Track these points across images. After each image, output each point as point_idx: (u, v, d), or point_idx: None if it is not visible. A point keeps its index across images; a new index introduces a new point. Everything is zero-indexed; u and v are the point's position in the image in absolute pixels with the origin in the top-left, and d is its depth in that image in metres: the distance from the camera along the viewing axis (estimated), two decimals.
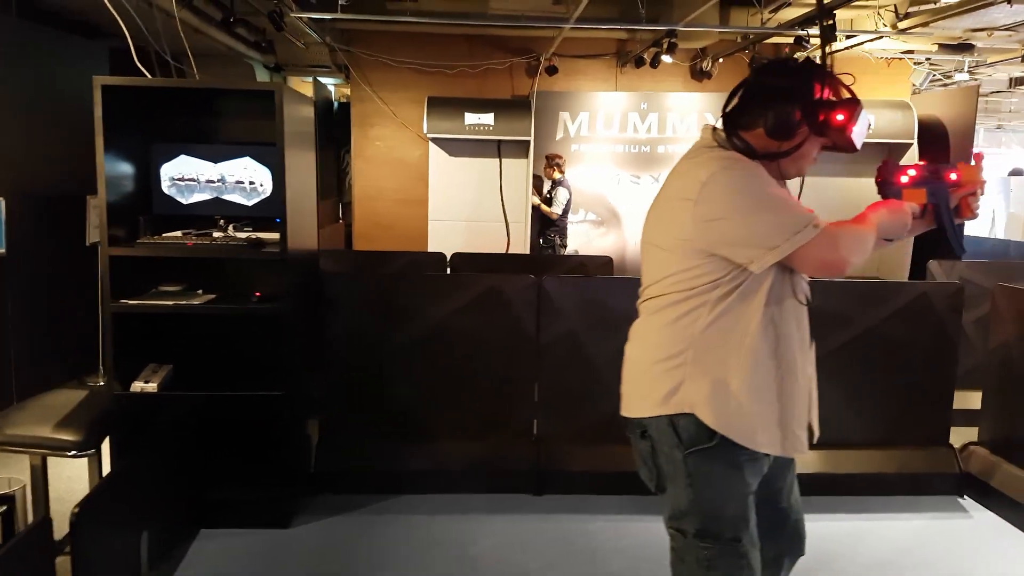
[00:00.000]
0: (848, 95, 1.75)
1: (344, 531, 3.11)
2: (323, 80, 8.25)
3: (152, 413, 3.02)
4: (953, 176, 1.91)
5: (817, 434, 1.94)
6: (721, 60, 7.80)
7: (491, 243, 7.28)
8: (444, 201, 7.34)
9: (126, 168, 3.22)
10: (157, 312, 3.10)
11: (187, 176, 3.33)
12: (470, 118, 7.06)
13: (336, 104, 8.83)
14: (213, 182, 3.34)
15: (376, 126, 7.81)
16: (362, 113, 7.77)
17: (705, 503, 1.73)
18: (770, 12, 6.44)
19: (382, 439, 3.47)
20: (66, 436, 2.38)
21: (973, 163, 1.95)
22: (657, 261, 1.78)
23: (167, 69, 3.81)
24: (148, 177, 3.31)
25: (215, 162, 3.32)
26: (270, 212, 3.24)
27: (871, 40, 6.91)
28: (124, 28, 3.22)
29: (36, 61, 4.59)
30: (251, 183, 3.32)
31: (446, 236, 7.12)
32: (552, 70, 7.82)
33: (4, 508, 2.07)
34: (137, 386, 3.10)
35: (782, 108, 1.68)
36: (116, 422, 2.65)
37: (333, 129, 8.02)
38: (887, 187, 1.92)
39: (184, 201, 3.34)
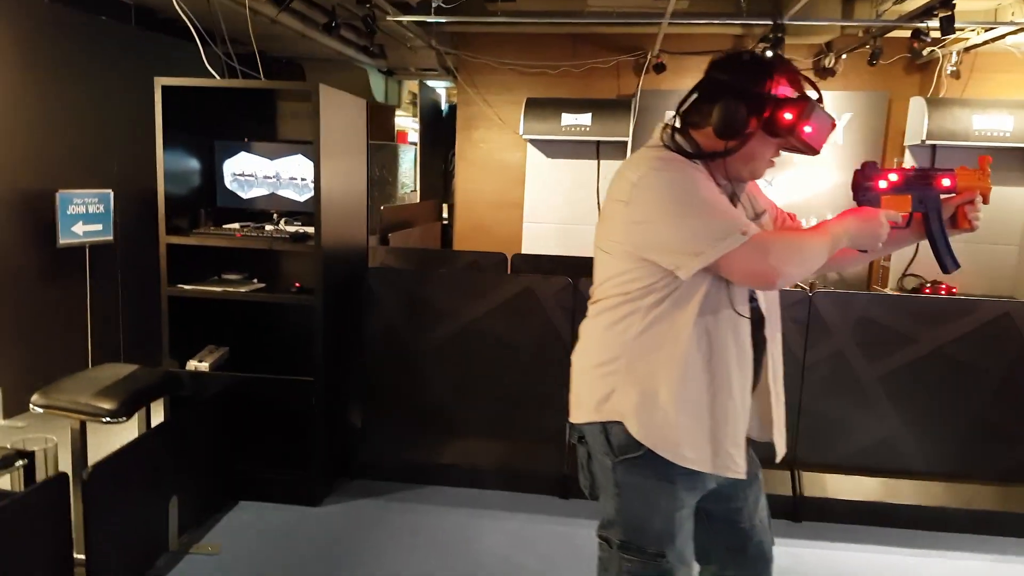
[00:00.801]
0: (812, 92, 1.64)
1: (367, 514, 3.23)
2: (434, 83, 8.52)
3: (199, 390, 3.27)
4: (946, 181, 1.73)
5: (781, 453, 1.82)
6: (844, 56, 7.32)
7: (585, 246, 7.22)
8: (539, 203, 7.36)
9: (192, 164, 3.52)
10: (208, 297, 3.35)
11: (247, 172, 3.58)
12: (567, 119, 7.04)
13: (447, 107, 9.10)
14: (269, 178, 3.57)
15: (480, 128, 7.96)
16: (467, 116, 7.95)
17: (630, 514, 1.69)
18: (893, 3, 5.99)
19: (415, 432, 3.57)
20: (103, 404, 2.64)
21: (978, 167, 1.75)
22: (600, 263, 1.75)
23: (280, 73, 4.08)
24: (212, 172, 3.58)
25: (272, 159, 3.55)
26: None
27: (1013, 32, 6.23)
28: (195, 33, 3.50)
29: (150, 67, 5.06)
30: (303, 179, 3.52)
31: (540, 239, 7.14)
32: (660, 68, 7.64)
33: (25, 462, 2.34)
34: (191, 364, 3.37)
35: (728, 104, 1.59)
36: (154, 395, 2.89)
37: (440, 132, 8.25)
38: (863, 192, 1.75)
39: (244, 195, 3.59)
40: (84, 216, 4.28)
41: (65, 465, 2.61)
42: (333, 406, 3.40)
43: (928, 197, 1.74)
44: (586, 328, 1.80)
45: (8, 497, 2.11)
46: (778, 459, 1.82)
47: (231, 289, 3.35)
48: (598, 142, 7.34)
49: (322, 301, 3.24)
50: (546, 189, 7.39)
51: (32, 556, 2.18)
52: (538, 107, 7.19)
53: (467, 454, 3.51)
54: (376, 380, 3.60)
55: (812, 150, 1.62)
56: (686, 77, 7.86)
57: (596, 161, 7.45)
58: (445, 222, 8.15)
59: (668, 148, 1.66)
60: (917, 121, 5.89)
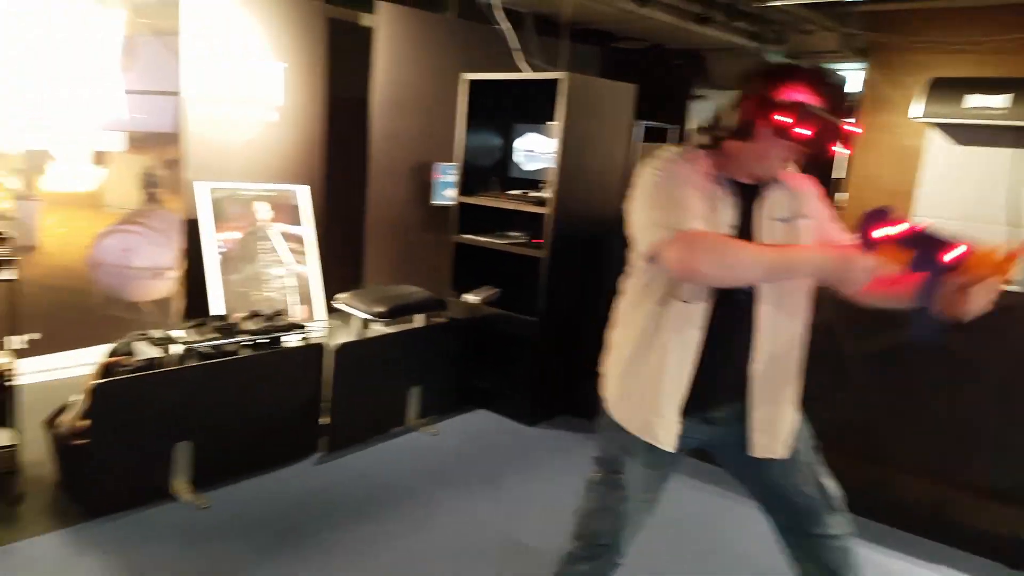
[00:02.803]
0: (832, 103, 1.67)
1: (561, 444, 3.77)
2: (835, 66, 8.07)
3: (465, 314, 4.18)
4: (947, 257, 1.51)
5: (754, 451, 1.86)
6: None
7: None
8: (936, 195, 6.50)
9: (496, 140, 4.42)
10: (477, 245, 4.23)
11: (532, 148, 4.34)
12: (972, 100, 6.09)
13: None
14: (546, 154, 4.26)
15: (884, 112, 7.30)
16: (871, 98, 7.36)
17: (600, 441, 2.01)
18: None
19: None
20: (376, 308, 3.70)
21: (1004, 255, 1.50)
22: None
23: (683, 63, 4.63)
24: (508, 148, 4.44)
25: (551, 138, 4.23)
26: None
27: None
28: (506, 32, 4.34)
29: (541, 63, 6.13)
30: None
31: None
32: None
33: (303, 332, 3.49)
34: (466, 297, 4.31)
35: (738, 106, 1.74)
36: (415, 310, 3.86)
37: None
38: (862, 236, 1.61)
39: (526, 167, 4.37)
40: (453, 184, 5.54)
41: None
42: (551, 346, 3.97)
43: (927, 263, 1.54)
44: None
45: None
46: (750, 454, 1.86)
47: (493, 240, 4.17)
48: (1019, 128, 6.18)
49: (548, 254, 3.84)
50: (946, 180, 6.51)
51: (294, 395, 3.32)
52: (945, 87, 6.37)
53: None
54: (591, 330, 4.02)
55: (820, 152, 1.67)
56: None
57: (1013, 150, 6.28)
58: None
59: (693, 144, 1.85)
60: None
